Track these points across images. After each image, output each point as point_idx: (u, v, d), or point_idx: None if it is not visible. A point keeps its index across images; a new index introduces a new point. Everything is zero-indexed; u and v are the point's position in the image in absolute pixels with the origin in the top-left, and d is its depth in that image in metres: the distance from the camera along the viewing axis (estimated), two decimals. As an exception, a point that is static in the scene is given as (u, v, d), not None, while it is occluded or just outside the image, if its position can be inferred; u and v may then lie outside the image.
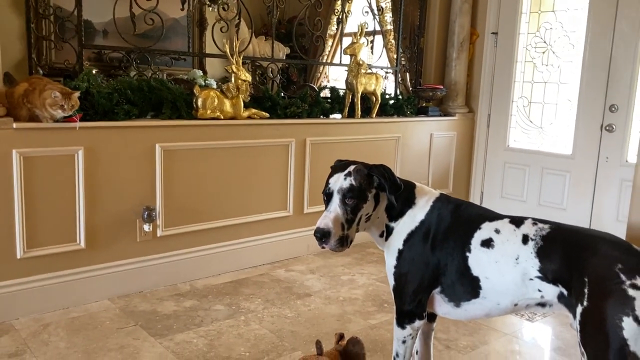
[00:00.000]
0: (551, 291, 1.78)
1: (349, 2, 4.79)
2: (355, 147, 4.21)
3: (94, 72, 3.42)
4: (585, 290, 1.62)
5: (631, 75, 4.14)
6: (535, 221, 1.87)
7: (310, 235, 4.11)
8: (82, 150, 3.01)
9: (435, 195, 2.07)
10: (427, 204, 2.03)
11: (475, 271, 1.90)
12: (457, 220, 1.97)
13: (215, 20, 3.97)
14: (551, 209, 4.63)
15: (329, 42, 6.37)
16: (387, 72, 5.14)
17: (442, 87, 5.04)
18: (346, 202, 1.94)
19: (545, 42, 4.73)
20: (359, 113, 4.33)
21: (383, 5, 5.23)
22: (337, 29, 6.07)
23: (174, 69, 5.61)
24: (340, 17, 4.78)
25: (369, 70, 4.43)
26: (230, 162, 3.63)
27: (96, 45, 3.70)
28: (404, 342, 2.06)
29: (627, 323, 1.52)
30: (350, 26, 5.22)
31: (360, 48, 4.29)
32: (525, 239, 1.83)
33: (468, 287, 1.92)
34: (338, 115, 4.36)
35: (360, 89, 4.29)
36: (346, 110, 4.32)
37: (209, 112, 3.47)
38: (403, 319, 2.04)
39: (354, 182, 1.94)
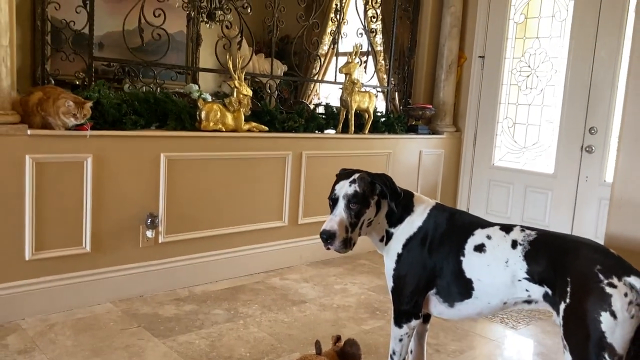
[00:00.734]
0: (537, 291, 1.95)
1: (344, 23, 5.00)
2: (348, 161, 4.36)
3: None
4: (568, 289, 1.80)
5: (610, 100, 4.39)
6: (523, 228, 2.05)
7: (305, 246, 4.30)
8: (91, 158, 3.13)
9: (432, 203, 2.25)
10: (425, 211, 2.20)
11: (468, 274, 2.06)
12: (452, 227, 2.14)
13: (219, 38, 4.14)
14: (534, 225, 4.80)
15: (321, 61, 6.57)
16: (378, 91, 5.35)
17: (431, 106, 5.26)
18: (350, 207, 2.10)
19: (529, 66, 4.98)
20: (353, 129, 4.52)
21: (374, 27, 5.46)
22: (328, 48, 6.29)
23: (169, 82, 5.78)
24: (335, 37, 4.98)
25: (362, 89, 4.63)
26: (230, 173, 3.78)
27: (105, 58, 3.84)
28: (400, 340, 2.21)
29: (605, 317, 1.70)
30: (343, 46, 5.43)
31: (355, 67, 4.50)
32: (514, 244, 2.00)
33: (462, 288, 2.09)
34: (332, 131, 4.54)
35: (354, 106, 4.48)
36: (340, 126, 4.51)
37: (211, 124, 3.63)
38: (400, 319, 2.19)
39: (358, 189, 2.11)
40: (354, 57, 4.52)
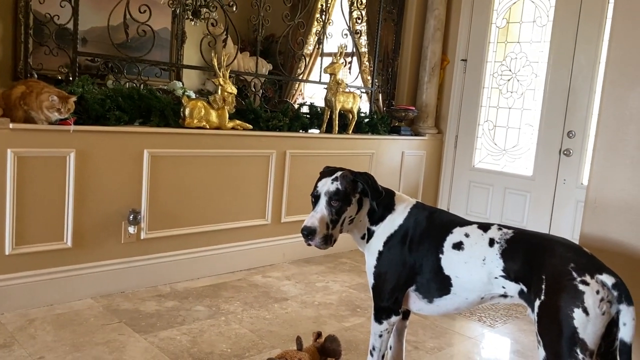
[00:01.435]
0: (513, 288, 2.00)
1: (329, 24, 5.04)
2: (332, 161, 4.38)
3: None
4: (543, 286, 1.85)
5: (587, 104, 4.50)
6: (501, 227, 2.10)
7: (287, 244, 4.33)
8: (74, 153, 3.12)
9: (412, 202, 2.29)
10: (406, 210, 2.24)
11: (447, 271, 2.11)
12: (432, 225, 2.19)
13: (204, 35, 4.15)
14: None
15: (306, 61, 6.60)
16: (362, 92, 5.39)
17: (413, 108, 5.32)
18: (332, 204, 2.14)
19: (510, 70, 5.07)
20: (337, 129, 4.56)
21: (359, 28, 5.51)
22: (313, 48, 6.32)
23: (153, 79, 5.76)
24: (320, 38, 5.02)
25: (347, 89, 4.67)
26: (214, 170, 3.79)
27: (89, 53, 3.81)
28: (380, 336, 2.25)
29: (577, 314, 1.75)
30: (329, 47, 5.46)
31: (340, 68, 4.54)
32: (491, 242, 2.05)
33: (440, 285, 2.13)
34: (316, 130, 4.57)
35: (339, 107, 4.52)
36: (324, 125, 4.54)
37: (195, 121, 3.64)
38: (380, 315, 2.23)
39: (340, 187, 2.15)
40: (338, 57, 4.56)
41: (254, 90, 4.59)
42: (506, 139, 5.13)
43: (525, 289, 1.97)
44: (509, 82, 5.08)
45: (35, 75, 3.36)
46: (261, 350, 2.80)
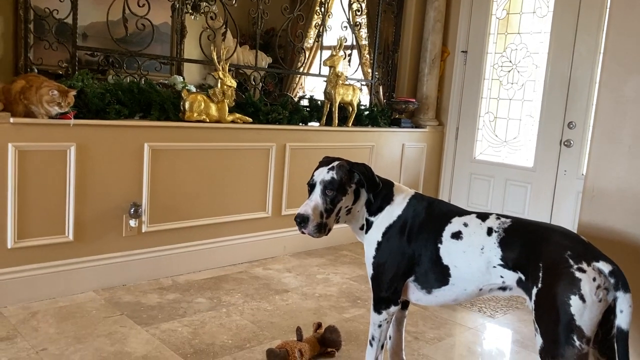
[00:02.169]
0: (511, 277, 2.01)
1: (328, 16, 5.03)
2: (332, 153, 4.35)
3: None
4: (540, 274, 1.86)
5: (588, 95, 4.49)
6: (499, 216, 2.11)
7: (288, 236, 4.34)
8: (75, 147, 3.14)
9: (411, 193, 2.30)
10: (404, 200, 2.25)
11: (445, 260, 2.12)
12: (431, 215, 2.20)
13: (203, 29, 4.15)
14: (513, 217, 4.91)
15: (306, 54, 6.60)
16: (362, 85, 5.39)
17: (414, 100, 5.32)
18: (327, 193, 2.16)
19: (511, 61, 5.06)
20: (336, 122, 4.56)
21: (359, 20, 5.51)
22: (314, 42, 6.32)
23: (153, 74, 5.77)
24: (320, 30, 5.02)
25: (346, 82, 4.67)
26: (214, 164, 3.80)
27: (89, 47, 3.83)
28: (379, 326, 2.27)
29: (574, 301, 1.76)
30: (329, 39, 5.46)
31: (339, 60, 4.53)
32: (489, 231, 2.06)
33: (439, 275, 2.14)
34: (316, 123, 4.58)
35: (338, 99, 4.52)
36: (324, 118, 4.55)
37: (195, 115, 3.64)
38: (380, 305, 2.24)
39: (335, 176, 2.16)
40: (338, 50, 4.55)
41: (253, 83, 4.59)
42: (507, 131, 5.12)
43: (523, 277, 1.98)
44: (509, 73, 5.07)
45: (36, 70, 3.37)
46: (262, 341, 2.82)
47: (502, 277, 2.04)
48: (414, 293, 2.24)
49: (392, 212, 2.24)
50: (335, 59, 4.50)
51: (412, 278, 2.21)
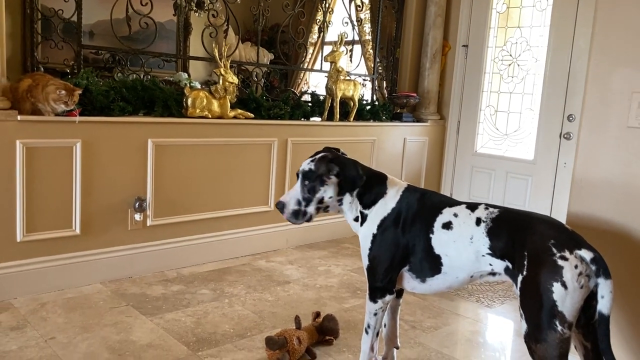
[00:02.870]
0: (499, 265, 2.07)
1: (330, 13, 5.09)
2: (333, 148, 4.50)
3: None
4: (525, 262, 1.93)
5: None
6: (487, 206, 2.17)
7: (290, 230, 4.43)
8: (80, 143, 3.23)
9: (404, 186, 2.36)
10: (397, 193, 2.31)
11: (437, 250, 2.18)
12: (423, 207, 2.26)
13: (205, 26, 4.23)
14: (514, 210, 4.97)
15: (310, 50, 6.68)
16: (364, 80, 5.45)
17: (415, 95, 5.37)
18: (305, 183, 2.25)
19: (511, 55, 5.10)
20: (338, 117, 4.63)
21: (362, 16, 5.57)
22: (317, 37, 6.38)
23: (158, 71, 5.86)
24: (322, 26, 5.08)
25: (347, 77, 4.73)
26: (217, 159, 3.88)
27: (93, 46, 3.92)
28: (375, 314, 2.34)
29: (557, 287, 1.83)
30: (331, 35, 5.52)
31: (340, 56, 4.60)
32: (478, 221, 2.12)
33: (432, 264, 2.20)
34: (318, 118, 4.65)
35: (339, 94, 4.59)
36: (326, 113, 4.61)
37: (198, 111, 3.73)
38: (375, 294, 2.32)
39: (313, 168, 2.25)
40: (339, 45, 4.61)
41: (255, 79, 4.67)
42: (507, 124, 5.17)
43: (510, 266, 2.03)
44: (509, 67, 5.11)
45: (42, 69, 3.46)
46: (262, 330, 2.90)
47: (491, 265, 2.10)
48: (409, 282, 2.31)
49: (386, 205, 2.30)
50: (336, 54, 4.56)
51: (406, 268, 2.28)
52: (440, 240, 2.18)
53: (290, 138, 4.30)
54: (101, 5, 5.20)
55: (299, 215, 2.26)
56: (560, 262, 1.84)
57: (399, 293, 2.51)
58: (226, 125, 3.90)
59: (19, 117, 3.00)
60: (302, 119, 4.49)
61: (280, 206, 2.28)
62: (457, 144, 5.51)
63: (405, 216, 2.26)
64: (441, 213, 2.21)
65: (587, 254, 1.85)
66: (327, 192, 2.27)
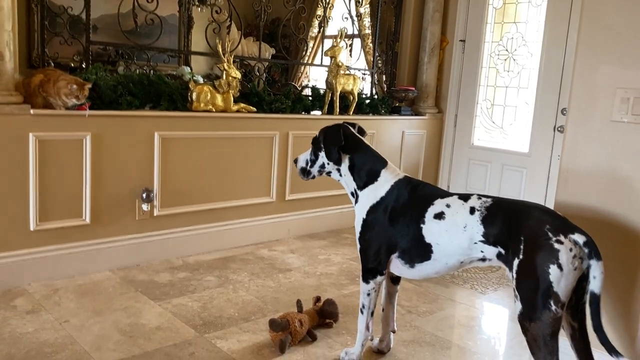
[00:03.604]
0: (491, 251, 2.19)
1: (330, 8, 5.21)
2: (333, 141, 4.62)
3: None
4: (521, 247, 2.05)
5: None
6: (480, 196, 2.29)
7: (291, 220, 4.58)
8: (90, 136, 3.36)
9: (399, 176, 2.48)
10: (389, 182, 2.44)
11: (428, 239, 2.30)
12: (414, 198, 2.38)
13: (209, 22, 4.34)
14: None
15: (310, 44, 6.79)
16: (364, 74, 5.57)
17: (414, 88, 5.49)
18: (312, 147, 2.57)
19: (507, 50, 5.21)
20: (338, 110, 4.75)
21: (362, 10, 5.68)
22: (318, 32, 6.49)
23: (162, 65, 5.98)
24: (322, 21, 5.19)
25: (347, 72, 4.85)
26: (221, 151, 4.02)
27: (101, 42, 4.04)
28: (368, 294, 2.48)
29: (553, 269, 1.95)
30: (331, 30, 5.64)
31: (340, 51, 4.71)
32: (472, 210, 2.23)
33: (421, 251, 2.33)
34: (318, 112, 4.77)
35: (339, 88, 4.71)
36: (326, 107, 4.74)
37: (202, 105, 3.85)
38: (367, 275, 2.46)
39: (317, 135, 2.55)
40: (339, 40, 4.73)
41: (257, 74, 4.79)
42: (503, 117, 5.29)
43: (503, 251, 2.15)
44: (505, 61, 5.23)
45: (52, 64, 3.59)
46: (266, 314, 3.04)
47: (482, 251, 2.22)
48: (398, 267, 2.43)
49: (376, 192, 2.44)
50: (335, 49, 4.67)
51: (396, 254, 2.40)
52: (431, 230, 2.29)
53: (292, 131, 4.43)
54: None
55: (305, 173, 2.62)
56: (556, 245, 1.97)
57: (397, 279, 2.65)
58: (229, 118, 4.02)
59: (31, 111, 3.12)
60: (303, 113, 4.62)
61: (295, 161, 2.68)
62: (455, 137, 5.64)
63: (394, 206, 2.39)
64: (433, 204, 2.32)
65: (580, 238, 1.97)
66: (325, 159, 2.53)
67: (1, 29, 2.96)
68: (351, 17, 5.26)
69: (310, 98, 4.79)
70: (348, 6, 5.22)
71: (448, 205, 2.30)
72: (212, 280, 3.50)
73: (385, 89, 5.60)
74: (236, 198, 4.18)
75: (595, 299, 1.97)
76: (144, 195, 3.64)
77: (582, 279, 2.01)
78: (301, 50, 6.67)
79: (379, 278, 2.44)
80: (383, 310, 2.71)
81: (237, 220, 4.22)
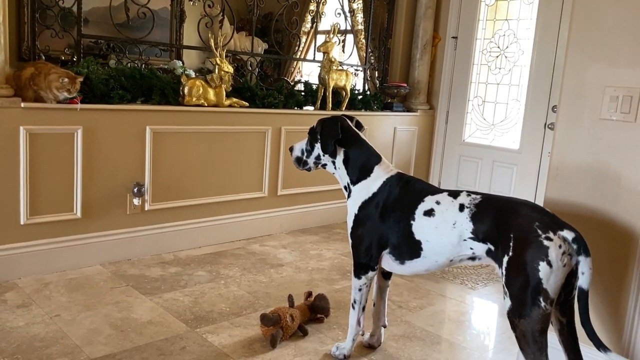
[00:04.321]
0: (480, 248, 2.20)
1: (323, 3, 5.21)
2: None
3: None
4: (511, 244, 2.06)
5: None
6: (469, 193, 2.31)
7: (283, 215, 4.59)
8: (81, 130, 3.35)
9: (391, 172, 2.48)
10: (381, 178, 2.45)
11: (418, 236, 2.31)
12: (404, 195, 2.39)
13: (201, 16, 4.33)
14: (500, 197, 5.14)
15: (303, 39, 6.78)
16: (356, 70, 5.57)
17: (406, 85, 5.51)
18: (309, 137, 2.59)
19: (499, 47, 5.24)
20: (330, 106, 4.76)
21: (355, 6, 5.68)
22: (311, 27, 6.48)
23: (154, 59, 5.95)
24: (315, 17, 5.18)
25: (340, 67, 4.86)
26: (212, 146, 4.01)
27: (93, 36, 4.02)
28: (360, 290, 2.50)
29: (542, 266, 1.97)
30: (324, 25, 5.63)
31: (333, 46, 4.72)
32: (461, 207, 2.25)
33: (412, 248, 2.34)
34: (311, 107, 4.78)
35: (332, 84, 4.71)
36: (318, 102, 4.74)
37: (194, 99, 3.84)
38: (359, 271, 2.47)
39: (314, 126, 2.57)
40: (331, 36, 4.73)
41: (250, 69, 4.78)
42: (494, 114, 5.32)
43: (492, 248, 2.16)
44: (497, 58, 5.25)
45: (43, 57, 3.56)
46: (257, 309, 3.05)
47: (471, 248, 2.23)
48: (389, 263, 2.45)
49: (369, 188, 2.45)
50: (328, 45, 4.68)
51: (387, 250, 2.42)
52: (421, 227, 2.30)
53: (284, 126, 4.43)
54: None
55: (300, 163, 2.62)
56: (545, 242, 1.98)
57: (388, 274, 2.67)
58: (222, 113, 4.02)
59: (22, 105, 3.11)
60: (296, 108, 4.62)
61: (290, 149, 2.67)
62: (446, 134, 5.67)
63: (385, 202, 2.40)
64: (423, 201, 2.33)
65: (569, 234, 1.99)
66: (320, 150, 2.53)
67: (-9, 21, 2.94)
68: (344, 12, 5.27)
69: (302, 93, 4.80)
70: (341, 2, 5.22)
71: (438, 202, 2.31)
72: (203, 275, 3.50)
73: (377, 85, 5.61)
74: (228, 193, 4.18)
75: (584, 295, 1.99)
76: (135, 190, 3.63)
77: (571, 275, 2.03)
78: (294, 45, 6.66)
79: (370, 273, 2.46)
80: (374, 305, 2.72)
81: (229, 215, 4.22)
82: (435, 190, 2.38)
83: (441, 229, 2.26)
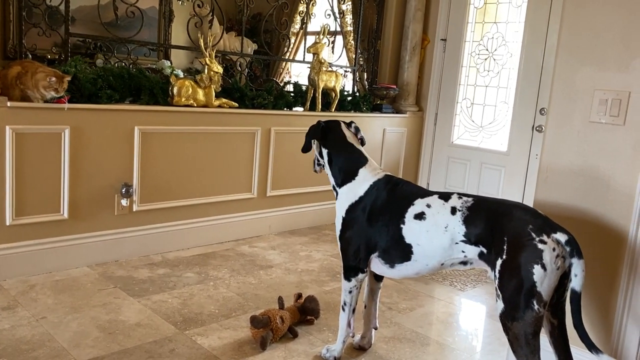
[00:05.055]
0: (473, 251, 2.19)
1: (313, 4, 5.20)
2: (315, 138, 4.62)
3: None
4: (505, 247, 2.06)
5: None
6: (460, 195, 2.30)
7: (272, 216, 4.57)
8: (69, 129, 3.31)
9: (378, 175, 2.46)
10: (367, 182, 2.43)
11: (408, 239, 2.29)
12: (393, 198, 2.37)
13: (190, 16, 4.30)
14: (488, 199, 5.17)
15: (292, 39, 6.77)
16: (346, 71, 5.58)
17: (395, 86, 5.52)
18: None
19: (487, 50, 5.27)
20: (320, 107, 4.75)
21: (344, 8, 5.68)
22: (300, 27, 6.47)
23: (142, 58, 5.90)
24: (304, 18, 5.18)
25: (329, 69, 4.85)
26: (202, 147, 3.99)
27: (81, 34, 3.97)
28: (350, 292, 2.49)
29: (537, 270, 1.97)
30: (313, 26, 5.63)
31: (322, 48, 4.71)
32: (453, 211, 2.23)
33: (402, 252, 2.32)
34: (300, 108, 4.77)
35: (321, 85, 4.71)
36: (308, 103, 4.74)
37: (183, 99, 3.82)
38: (349, 273, 2.46)
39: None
40: (321, 37, 4.73)
41: (239, 69, 4.76)
42: (483, 116, 5.35)
43: (485, 251, 2.15)
44: (485, 61, 5.29)
45: (30, 56, 3.52)
46: (246, 310, 3.04)
47: (463, 251, 2.21)
48: (378, 266, 2.43)
49: (355, 191, 2.44)
50: (318, 46, 4.67)
51: (376, 254, 2.40)
52: (411, 230, 2.28)
53: (273, 127, 4.42)
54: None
55: (314, 164, 2.72)
56: (540, 245, 1.98)
57: (380, 276, 2.66)
58: (211, 114, 3.99)
59: (8, 104, 3.06)
60: (285, 109, 4.61)
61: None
62: (435, 135, 5.69)
63: (372, 206, 2.38)
64: (413, 204, 2.31)
65: (562, 237, 1.99)
66: (316, 149, 2.62)
67: (-23, 19, 2.89)
68: (333, 14, 5.27)
69: (292, 94, 4.78)
70: (330, 3, 5.22)
71: (429, 205, 2.29)
72: (192, 277, 3.48)
73: (366, 87, 5.62)
74: (217, 194, 4.16)
75: (576, 297, 1.99)
76: (123, 190, 3.59)
77: (564, 277, 2.03)
78: (283, 46, 6.65)
79: (360, 276, 2.45)
80: (365, 307, 2.72)
81: (218, 216, 4.19)
82: (426, 193, 2.37)
83: (432, 232, 2.25)
